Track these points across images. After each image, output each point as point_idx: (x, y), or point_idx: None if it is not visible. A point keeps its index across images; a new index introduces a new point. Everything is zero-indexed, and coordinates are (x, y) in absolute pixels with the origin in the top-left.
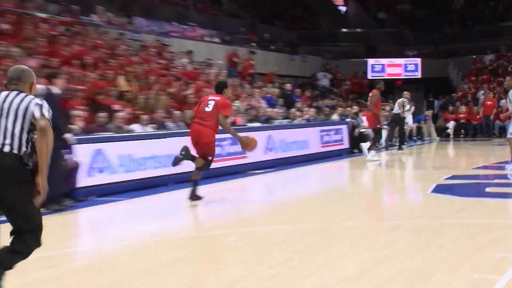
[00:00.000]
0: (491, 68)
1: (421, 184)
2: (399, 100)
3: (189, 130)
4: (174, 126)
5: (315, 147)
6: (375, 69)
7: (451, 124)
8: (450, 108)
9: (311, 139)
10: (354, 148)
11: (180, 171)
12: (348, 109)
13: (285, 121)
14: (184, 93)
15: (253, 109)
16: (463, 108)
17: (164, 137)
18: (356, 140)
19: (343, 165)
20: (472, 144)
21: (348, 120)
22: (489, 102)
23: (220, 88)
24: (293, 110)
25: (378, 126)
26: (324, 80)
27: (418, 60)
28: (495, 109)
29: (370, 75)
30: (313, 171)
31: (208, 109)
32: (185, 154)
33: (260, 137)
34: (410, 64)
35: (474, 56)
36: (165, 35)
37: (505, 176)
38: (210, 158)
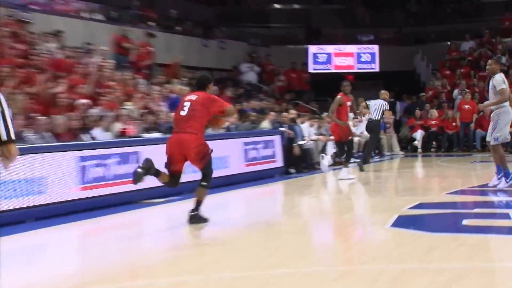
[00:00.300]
0: (471, 59)
1: (379, 216)
2: (375, 102)
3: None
4: (36, 137)
5: (237, 166)
6: (319, 60)
7: (418, 134)
8: (418, 112)
9: (231, 155)
10: (291, 167)
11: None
12: (284, 114)
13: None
14: (52, 92)
15: (151, 114)
16: (434, 113)
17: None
18: (296, 157)
19: (275, 190)
20: (446, 160)
21: (283, 129)
22: (467, 106)
23: (201, 84)
24: None
25: (350, 137)
26: (250, 74)
27: (375, 48)
28: (475, 115)
29: (312, 68)
30: (235, 199)
31: (184, 112)
32: (148, 168)
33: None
34: (364, 53)
35: (449, 43)
36: (23, 8)
37: (489, 204)
38: (208, 169)
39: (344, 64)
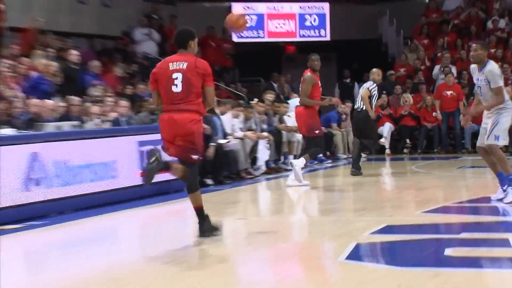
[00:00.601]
0: (458, 22)
1: (329, 244)
2: (365, 86)
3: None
4: None
5: (129, 176)
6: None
7: (386, 129)
8: (385, 98)
9: (120, 160)
10: (207, 176)
11: None
12: None
13: (68, 125)
14: None
15: (1, 102)
16: (409, 99)
17: None
18: (214, 162)
19: (184, 209)
20: (424, 165)
21: None
22: (449, 92)
23: (181, 41)
24: (86, 103)
25: (317, 132)
26: (147, 44)
27: (326, 7)
28: (462, 102)
29: (236, 36)
30: (126, 224)
31: (177, 89)
32: (157, 162)
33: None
34: (310, 14)
35: (427, 0)
36: None
37: (481, 226)
38: (197, 156)
39: (281, 31)
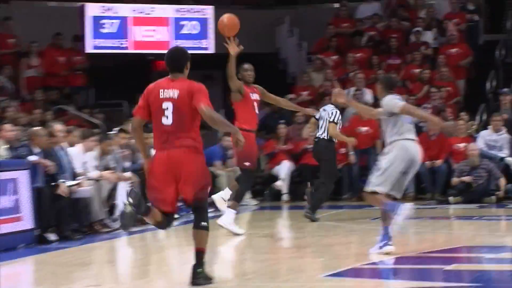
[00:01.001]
0: (374, 34)
1: None
2: (327, 112)
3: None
4: None
5: None
6: (104, 30)
7: (284, 169)
8: (282, 129)
9: None
10: (50, 229)
11: None
12: (38, 131)
13: None
14: None
15: None
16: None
17: None
18: (60, 210)
19: (19, 275)
20: (330, 216)
21: (33, 158)
22: (364, 129)
23: (177, 63)
24: None
25: (247, 163)
26: None
27: (209, 11)
28: (379, 141)
29: (91, 45)
30: None
31: (167, 121)
32: (138, 204)
33: None
34: (189, 19)
35: (336, 5)
36: None
37: None
38: (206, 194)
39: (151, 40)
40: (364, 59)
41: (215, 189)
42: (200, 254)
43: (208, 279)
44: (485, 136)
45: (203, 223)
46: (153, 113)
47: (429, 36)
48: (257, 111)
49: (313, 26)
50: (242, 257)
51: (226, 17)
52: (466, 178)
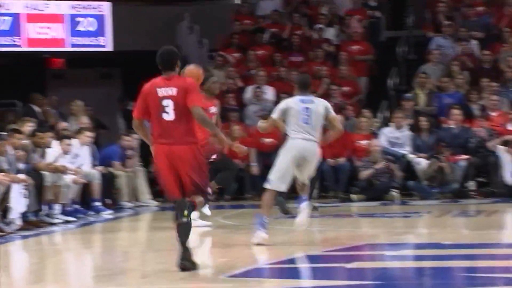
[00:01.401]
0: (275, 31)
1: None
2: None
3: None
4: None
5: None
6: None
7: None
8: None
9: None
10: None
11: None
12: None
13: None
14: None
15: None
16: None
17: None
18: None
19: None
20: (233, 216)
21: None
22: (268, 140)
23: (168, 62)
24: None
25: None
26: None
27: (106, 7)
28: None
29: None
30: None
31: (169, 117)
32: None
33: None
34: (85, 16)
35: (238, 1)
36: None
37: None
38: (207, 188)
39: (46, 37)
40: (266, 56)
41: (114, 190)
42: (183, 244)
43: (194, 264)
44: (387, 133)
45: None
46: (153, 110)
47: (331, 33)
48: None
49: (214, 23)
50: (142, 258)
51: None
52: (367, 173)
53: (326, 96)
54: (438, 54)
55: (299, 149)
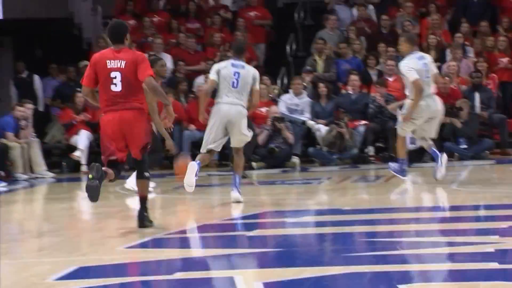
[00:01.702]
0: None
1: None
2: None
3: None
4: None
5: None
6: None
7: (82, 140)
8: (79, 99)
9: None
10: None
11: None
12: None
13: None
14: None
15: None
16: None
17: None
18: None
19: None
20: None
21: None
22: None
23: (120, 34)
24: None
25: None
26: None
27: None
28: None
29: None
30: None
31: (116, 88)
32: (100, 177)
33: None
34: None
35: None
36: None
37: (201, 263)
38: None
39: None
40: (162, 23)
41: (8, 162)
42: (143, 200)
43: (151, 222)
44: (287, 100)
45: (145, 173)
46: (101, 81)
47: None
48: None
49: None
50: (40, 232)
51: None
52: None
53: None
54: (335, 19)
55: (224, 113)
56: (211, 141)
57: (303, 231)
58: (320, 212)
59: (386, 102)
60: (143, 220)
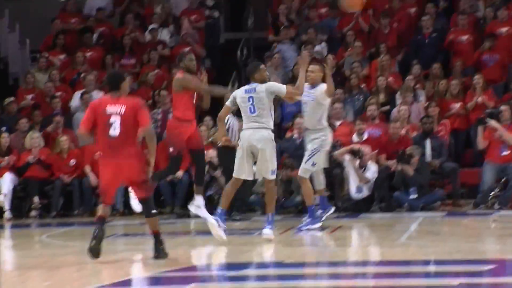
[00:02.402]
0: (104, 30)
1: None
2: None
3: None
4: None
5: None
6: None
7: (5, 183)
8: (4, 139)
9: None
10: None
11: None
12: None
13: None
14: None
15: None
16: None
17: None
18: None
19: None
20: (59, 234)
21: None
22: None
23: (115, 83)
24: None
25: (171, 149)
26: None
27: None
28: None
29: None
30: None
31: (115, 132)
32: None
33: None
34: None
35: None
36: None
37: None
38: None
39: None
40: (96, 59)
41: None
42: (157, 235)
43: (166, 254)
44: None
45: (153, 211)
46: (100, 125)
47: (165, 34)
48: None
49: (37, 21)
50: None
51: None
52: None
53: (158, 103)
54: (279, 58)
55: (247, 139)
56: (239, 168)
57: (241, 286)
58: (260, 266)
59: (333, 148)
60: (159, 253)
